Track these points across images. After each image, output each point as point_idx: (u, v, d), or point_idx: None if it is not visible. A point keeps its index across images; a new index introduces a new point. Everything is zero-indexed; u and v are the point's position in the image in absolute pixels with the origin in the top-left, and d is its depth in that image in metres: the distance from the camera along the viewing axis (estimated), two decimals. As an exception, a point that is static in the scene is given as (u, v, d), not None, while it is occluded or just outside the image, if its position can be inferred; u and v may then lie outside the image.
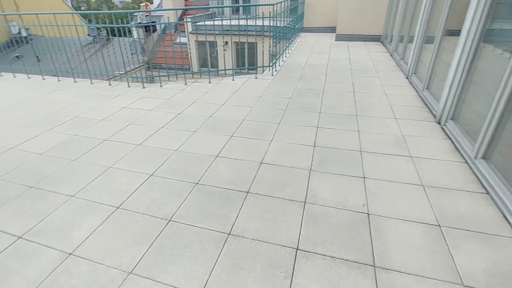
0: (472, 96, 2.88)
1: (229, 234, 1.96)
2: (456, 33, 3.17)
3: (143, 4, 17.96)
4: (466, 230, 1.94)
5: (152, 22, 15.38)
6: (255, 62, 11.28)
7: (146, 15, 16.38)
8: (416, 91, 4.29)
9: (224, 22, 9.05)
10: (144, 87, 4.95)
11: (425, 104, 3.84)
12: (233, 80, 5.25)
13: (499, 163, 2.29)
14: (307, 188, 2.38)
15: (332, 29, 9.95)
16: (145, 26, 13.34)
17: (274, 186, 2.41)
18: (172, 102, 4.26)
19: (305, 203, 2.22)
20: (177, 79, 5.28)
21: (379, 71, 5.44)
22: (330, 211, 2.14)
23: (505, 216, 2.01)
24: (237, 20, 5.85)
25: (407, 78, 4.89)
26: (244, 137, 3.22)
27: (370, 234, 1.93)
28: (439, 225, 1.98)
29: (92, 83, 5.21)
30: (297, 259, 1.77)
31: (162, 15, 16.19)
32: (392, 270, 1.69)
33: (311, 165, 2.68)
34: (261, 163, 2.73)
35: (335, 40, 8.64)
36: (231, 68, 5.48)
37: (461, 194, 2.26)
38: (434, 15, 4.18)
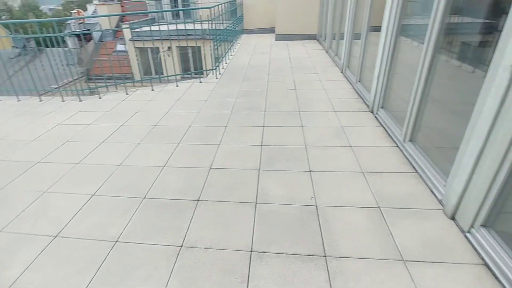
0: (397, 85, 3.11)
1: (181, 246, 1.86)
2: (379, 29, 3.39)
3: (75, 11, 16.58)
4: (402, 208, 2.08)
5: (87, 30, 14.28)
6: (200, 66, 11.05)
7: (80, 23, 15.18)
8: (351, 84, 4.54)
9: (166, 27, 8.70)
10: (81, 100, 4.55)
11: (359, 95, 4.08)
12: (177, 86, 5.07)
13: (423, 144, 2.50)
14: (257, 188, 2.37)
15: (272, 30, 10.14)
16: (79, 35, 12.35)
17: (225, 190, 2.36)
18: (113, 114, 3.97)
19: (256, 203, 2.20)
20: (116, 89, 4.94)
21: (317, 68, 5.66)
22: (281, 208, 2.14)
23: (432, 191, 2.19)
24: (178, 25, 5.63)
25: (342, 72, 5.16)
26: (191, 143, 3.11)
27: (319, 225, 1.98)
28: (379, 207, 2.10)
29: (19, 100, 4.65)
30: (252, 261, 1.74)
31: (98, 22, 15.12)
32: (342, 257, 1.74)
33: (260, 165, 2.67)
34: (210, 168, 2.66)
35: (275, 40, 8.82)
36: (176, 74, 5.29)
37: (395, 176, 2.42)
38: (359, 14, 4.44)
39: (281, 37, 8.73)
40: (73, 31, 13.40)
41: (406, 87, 2.78)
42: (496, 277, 1.56)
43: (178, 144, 3.11)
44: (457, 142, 1.93)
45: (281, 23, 8.71)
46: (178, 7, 13.47)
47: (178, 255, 1.80)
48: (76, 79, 9.13)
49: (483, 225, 1.73)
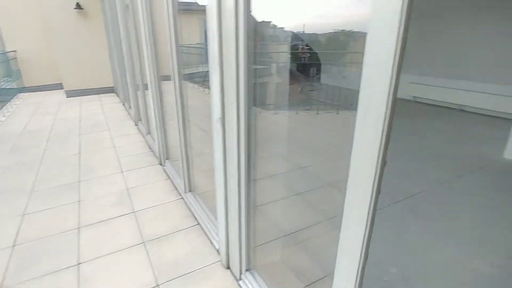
0: (171, 132, 3.01)
1: None
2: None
3: None
4: (183, 275, 1.84)
5: None
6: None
7: None
8: (143, 136, 4.25)
9: None
10: None
11: (150, 148, 3.82)
12: None
13: (199, 192, 2.44)
14: (-14, 325, 1.56)
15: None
16: None
17: None
18: None
19: None
20: None
21: (110, 124, 5.07)
22: None
23: (211, 242, 2.09)
24: None
25: (136, 125, 4.81)
26: None
27: None
28: (157, 285, 1.78)
29: None
30: None
31: None
32: None
33: (4, 280, 1.84)
34: None
35: (67, 97, 7.54)
36: None
37: (178, 235, 2.20)
38: (136, 69, 4.28)
39: (73, 93, 7.55)
40: None
41: (176, 133, 2.70)
42: (264, 321, 1.51)
43: None
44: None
45: (69, 77, 7.56)
46: None
47: None
48: None
49: (248, 269, 1.71)
